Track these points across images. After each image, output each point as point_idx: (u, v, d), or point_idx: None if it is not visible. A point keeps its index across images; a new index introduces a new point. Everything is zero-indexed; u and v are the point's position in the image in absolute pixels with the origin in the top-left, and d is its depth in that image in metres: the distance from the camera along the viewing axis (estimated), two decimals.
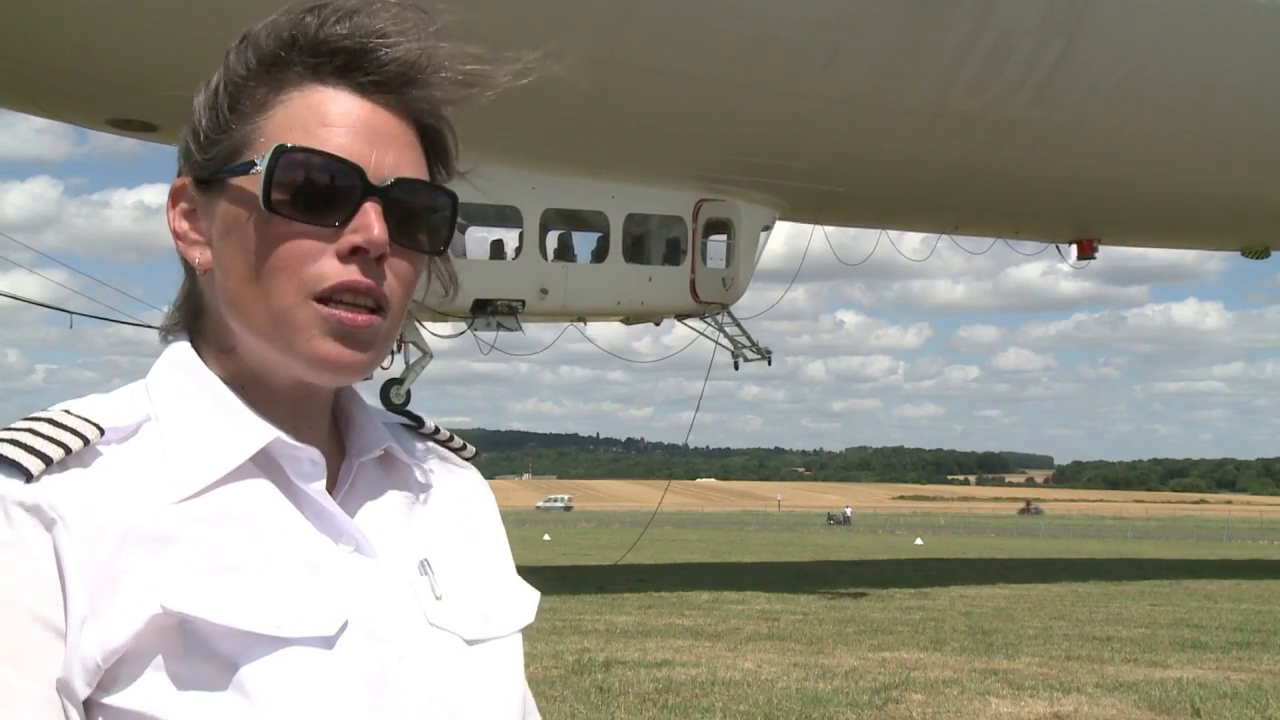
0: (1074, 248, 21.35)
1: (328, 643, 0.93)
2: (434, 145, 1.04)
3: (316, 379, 0.99)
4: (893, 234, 21.01)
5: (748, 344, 19.61)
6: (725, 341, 19.45)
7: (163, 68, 12.61)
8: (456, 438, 1.19)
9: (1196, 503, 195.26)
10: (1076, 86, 16.29)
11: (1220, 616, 15.36)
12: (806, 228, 20.90)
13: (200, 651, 0.90)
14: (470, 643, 1.04)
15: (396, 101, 0.99)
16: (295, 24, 0.98)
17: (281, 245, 0.95)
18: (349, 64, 0.98)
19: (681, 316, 18.94)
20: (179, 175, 1.03)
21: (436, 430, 1.18)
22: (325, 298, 0.95)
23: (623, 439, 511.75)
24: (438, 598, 1.03)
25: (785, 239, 19.49)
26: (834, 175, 17.65)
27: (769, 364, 19.87)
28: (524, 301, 16.94)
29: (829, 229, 20.62)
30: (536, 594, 1.16)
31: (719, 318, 19.03)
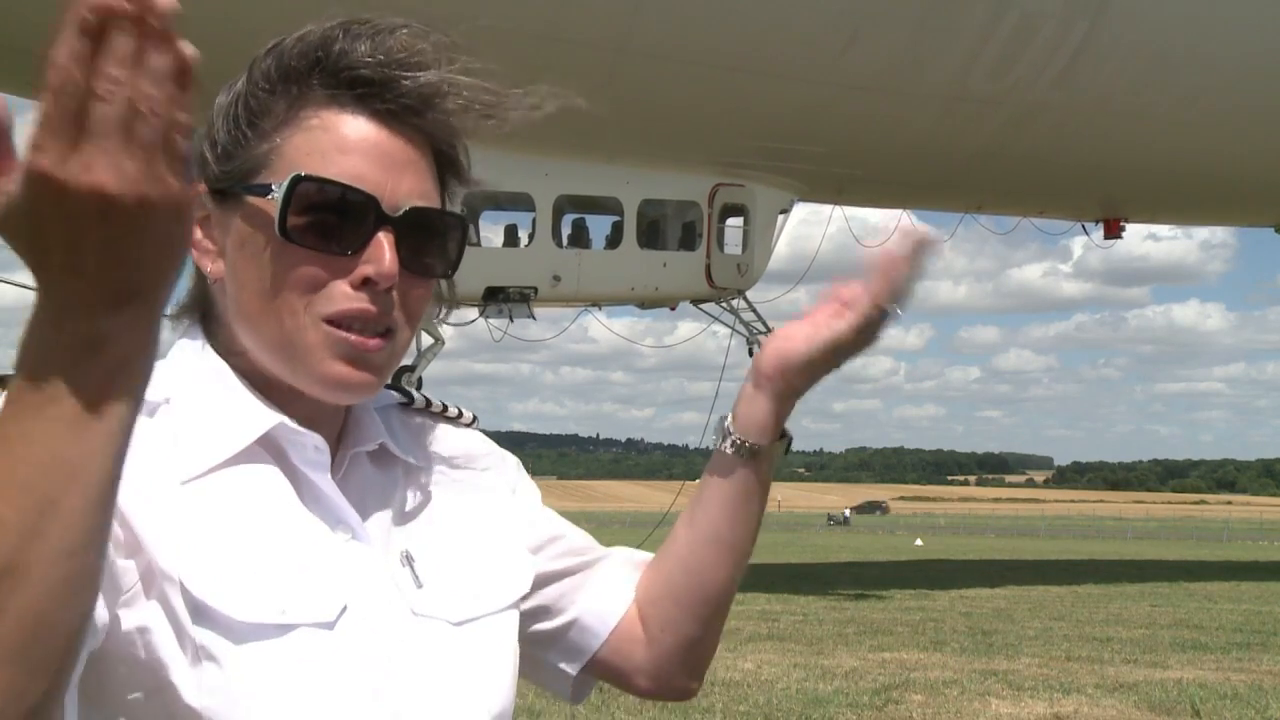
0: (1100, 227, 21.02)
1: (329, 626, 0.96)
2: (447, 168, 1.06)
3: (325, 397, 1.01)
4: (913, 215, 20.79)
5: (763, 329, 19.46)
6: (740, 327, 19.35)
7: None
8: (452, 407, 1.21)
9: (1196, 503, 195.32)
10: (1102, 68, 15.96)
11: (1220, 617, 15.36)
12: (811, 228, 20.86)
13: (208, 629, 0.92)
14: (457, 624, 1.06)
15: (413, 128, 1.01)
16: (323, 42, 0.99)
17: (294, 270, 0.97)
18: (369, 91, 0.99)
19: (696, 301, 18.81)
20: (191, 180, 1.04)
21: (429, 404, 1.19)
22: (335, 322, 0.97)
23: (623, 439, 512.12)
24: (419, 587, 1.05)
25: (789, 240, 19.34)
26: (853, 159, 17.42)
27: None
28: (536, 289, 16.82)
29: (843, 216, 20.34)
30: (533, 563, 1.19)
31: (734, 303, 18.91)
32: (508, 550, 1.16)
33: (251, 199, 0.98)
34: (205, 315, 1.06)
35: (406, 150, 1.00)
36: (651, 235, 17.89)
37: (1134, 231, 21.71)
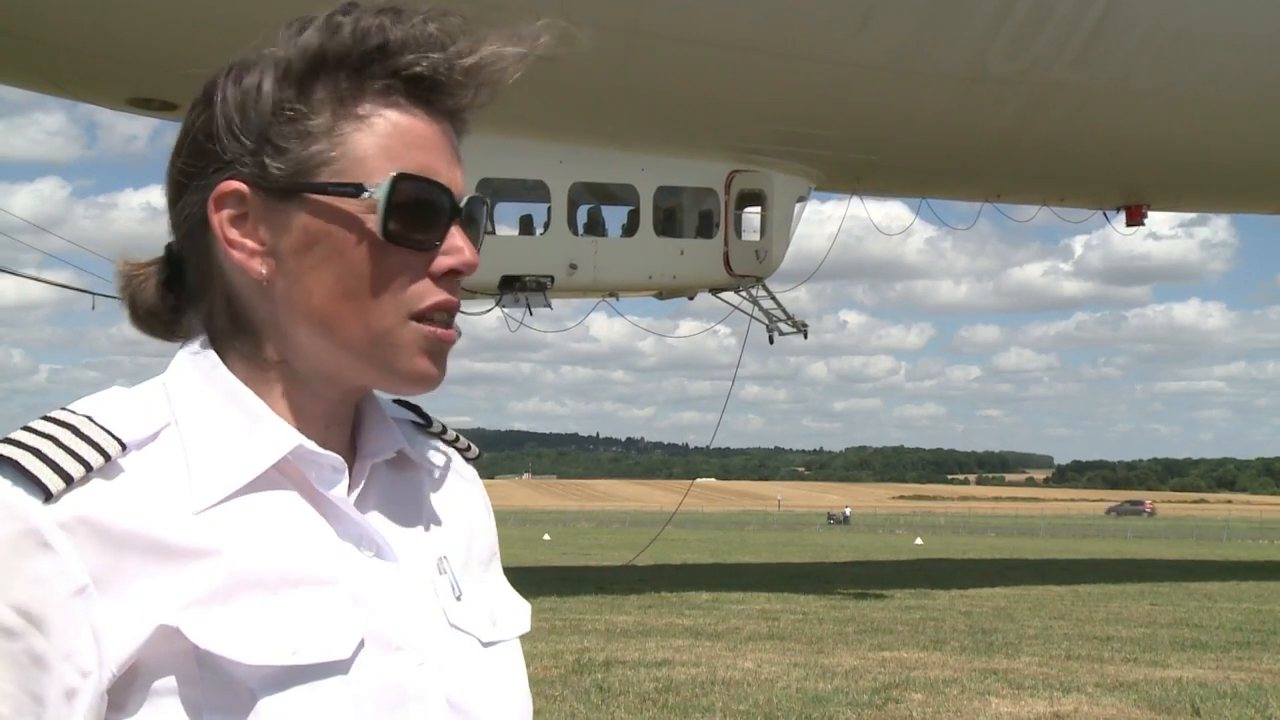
0: (1122, 214, 20.67)
1: (344, 666, 0.93)
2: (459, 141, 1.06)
3: (408, 392, 1.02)
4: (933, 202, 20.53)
5: (783, 317, 19.29)
6: (760, 315, 19.16)
7: (181, 45, 12.49)
8: (462, 438, 1.19)
9: (1196, 502, 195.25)
10: (1121, 46, 15.62)
11: (1220, 616, 15.37)
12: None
13: (216, 678, 0.89)
14: (485, 645, 1.05)
15: (452, 114, 1.02)
16: (368, 33, 0.96)
17: (385, 267, 0.96)
18: (424, 85, 0.98)
19: (715, 290, 18.66)
20: (217, 175, 0.97)
21: (444, 430, 1.18)
22: (421, 317, 0.97)
23: (623, 439, 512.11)
24: (458, 597, 1.04)
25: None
26: (870, 144, 17.21)
27: (805, 337, 19.57)
28: (553, 277, 16.65)
29: (861, 207, 20.08)
30: (528, 604, 1.17)
31: (753, 290, 18.75)
32: (504, 584, 1.15)
33: (322, 197, 0.95)
34: (234, 323, 1.00)
35: (451, 139, 1.01)
36: (668, 223, 17.74)
37: (1135, 230, 21.33)
